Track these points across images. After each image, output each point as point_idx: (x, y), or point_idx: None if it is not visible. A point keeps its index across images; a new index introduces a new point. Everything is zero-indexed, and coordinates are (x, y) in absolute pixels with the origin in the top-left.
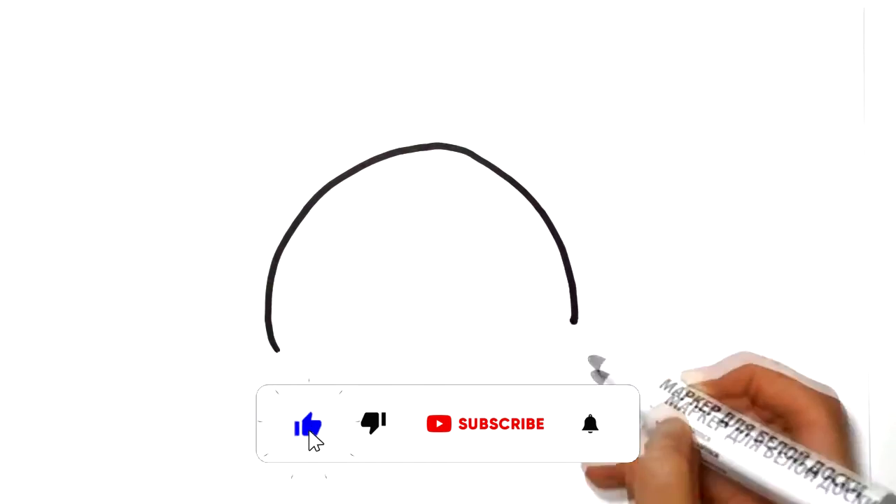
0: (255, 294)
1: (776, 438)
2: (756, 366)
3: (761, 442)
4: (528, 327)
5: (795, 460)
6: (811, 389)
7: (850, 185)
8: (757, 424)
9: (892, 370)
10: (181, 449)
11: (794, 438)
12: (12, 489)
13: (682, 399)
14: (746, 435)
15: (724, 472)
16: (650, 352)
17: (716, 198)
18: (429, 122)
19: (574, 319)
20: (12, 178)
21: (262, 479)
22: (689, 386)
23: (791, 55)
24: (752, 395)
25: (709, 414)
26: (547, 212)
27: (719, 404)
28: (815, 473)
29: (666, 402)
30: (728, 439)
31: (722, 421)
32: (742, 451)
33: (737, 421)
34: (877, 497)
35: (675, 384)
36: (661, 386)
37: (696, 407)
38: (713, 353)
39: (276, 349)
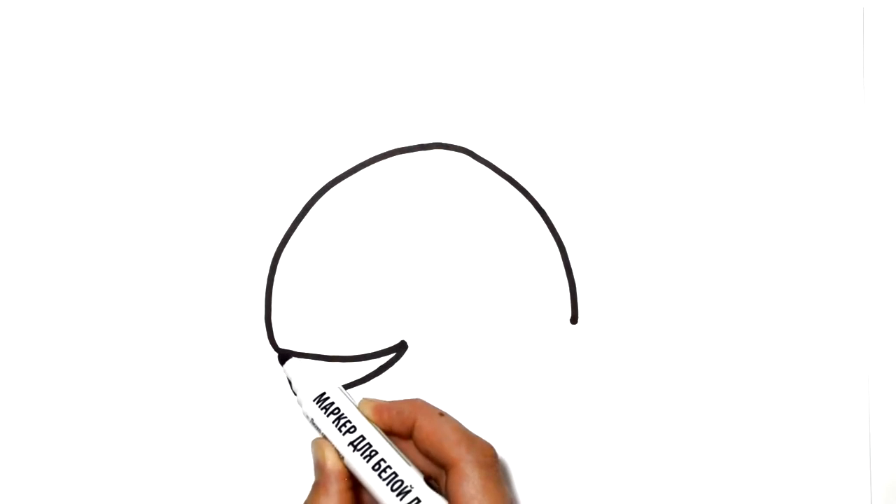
0: (255, 294)
1: (390, 468)
2: (421, 407)
3: (378, 469)
4: (528, 327)
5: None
6: (463, 432)
7: (849, 184)
8: (380, 451)
9: (892, 370)
10: (182, 449)
11: (446, 480)
12: (13, 489)
13: (328, 415)
14: (368, 459)
15: None
16: (650, 352)
17: (716, 197)
18: (429, 122)
19: (574, 319)
20: (12, 180)
21: (263, 480)
22: (359, 409)
23: (791, 55)
24: (415, 437)
25: (343, 435)
26: (547, 212)
27: (356, 425)
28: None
29: (309, 419)
30: (356, 460)
31: (351, 443)
32: (365, 473)
33: (365, 446)
34: None
35: (328, 398)
36: (314, 399)
37: (336, 426)
38: (713, 352)
39: (277, 349)
